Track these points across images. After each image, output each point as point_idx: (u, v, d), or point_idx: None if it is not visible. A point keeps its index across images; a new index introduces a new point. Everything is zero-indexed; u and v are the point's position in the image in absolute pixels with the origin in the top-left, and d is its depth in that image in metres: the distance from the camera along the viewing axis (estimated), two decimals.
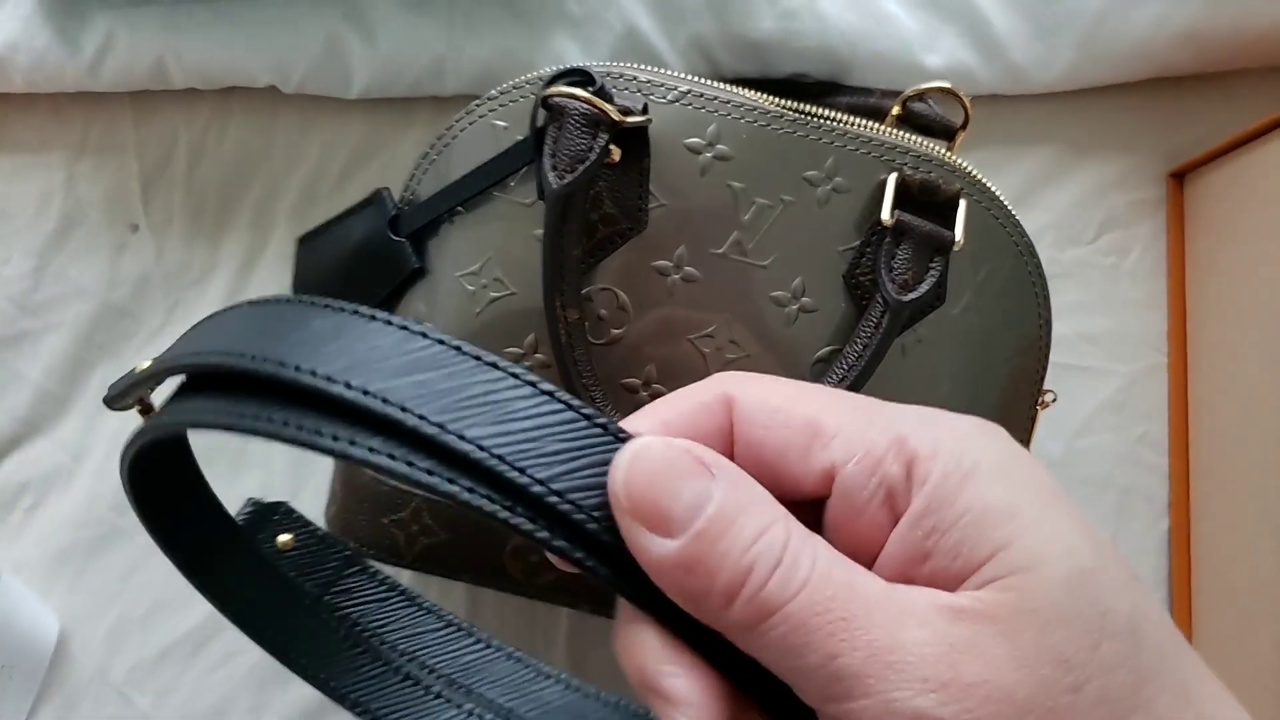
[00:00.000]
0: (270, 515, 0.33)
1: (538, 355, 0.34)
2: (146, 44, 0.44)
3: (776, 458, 0.18)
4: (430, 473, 0.17)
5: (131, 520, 0.46)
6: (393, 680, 0.29)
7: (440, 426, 0.17)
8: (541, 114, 0.32)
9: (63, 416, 0.46)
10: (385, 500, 0.35)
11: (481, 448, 0.16)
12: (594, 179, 0.32)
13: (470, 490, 0.17)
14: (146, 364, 0.22)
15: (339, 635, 0.29)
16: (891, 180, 0.33)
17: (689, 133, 0.34)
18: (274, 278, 0.47)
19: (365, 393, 0.17)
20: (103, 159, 0.47)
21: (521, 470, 0.17)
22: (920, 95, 0.37)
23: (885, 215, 0.33)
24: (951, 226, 0.33)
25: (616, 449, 0.17)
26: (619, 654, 0.18)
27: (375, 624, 0.31)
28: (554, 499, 0.17)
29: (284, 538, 0.33)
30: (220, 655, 0.45)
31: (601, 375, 0.34)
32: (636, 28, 0.44)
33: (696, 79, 0.34)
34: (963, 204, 0.33)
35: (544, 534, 0.17)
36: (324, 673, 0.29)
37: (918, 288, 0.32)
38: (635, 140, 0.33)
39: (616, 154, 0.33)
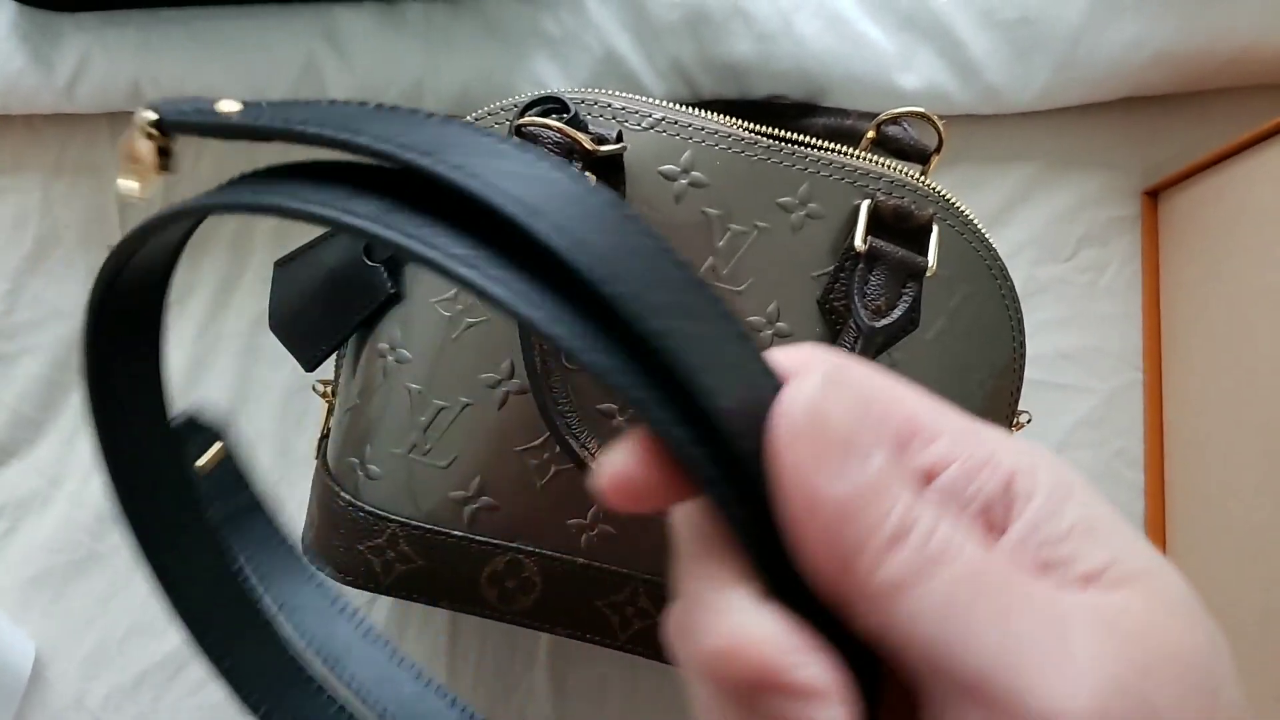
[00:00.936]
0: (201, 431, 0.30)
1: (513, 380, 0.34)
2: (122, 66, 0.44)
3: None
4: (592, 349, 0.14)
5: (108, 545, 0.46)
6: (261, 637, 0.28)
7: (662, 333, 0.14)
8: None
9: (38, 440, 0.46)
10: (361, 527, 0.35)
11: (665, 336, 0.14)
12: None
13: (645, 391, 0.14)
14: (234, 105, 0.18)
15: (226, 577, 0.27)
16: (864, 206, 0.33)
17: (663, 160, 0.34)
18: (253, 300, 0.47)
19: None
20: (79, 179, 0.47)
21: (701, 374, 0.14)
22: (895, 119, 0.37)
23: (858, 241, 0.33)
24: (924, 252, 0.33)
25: (772, 378, 0.15)
26: (698, 639, 0.15)
27: (262, 574, 0.29)
28: (729, 413, 0.14)
29: (204, 460, 0.30)
30: (197, 680, 0.45)
31: (577, 401, 0.34)
32: (615, 49, 0.44)
33: (671, 105, 0.34)
34: (935, 230, 0.33)
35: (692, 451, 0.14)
36: (197, 613, 0.26)
37: (890, 313, 0.33)
38: (610, 168, 0.33)
39: (592, 181, 0.32)
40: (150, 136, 0.19)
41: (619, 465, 0.16)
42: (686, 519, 0.16)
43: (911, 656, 0.14)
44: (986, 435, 0.17)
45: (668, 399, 0.15)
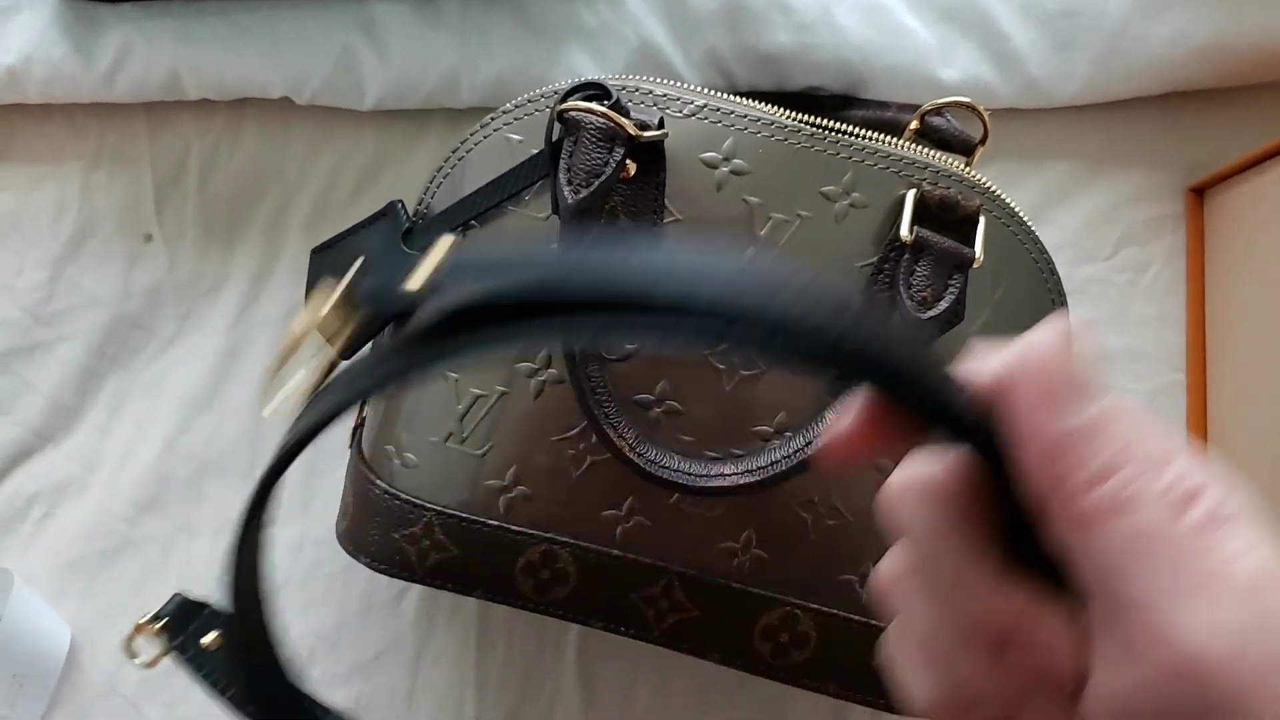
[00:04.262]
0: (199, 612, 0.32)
1: (551, 370, 0.34)
2: (161, 56, 0.44)
3: None
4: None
5: (142, 532, 0.46)
6: None
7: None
8: (557, 128, 0.32)
9: (75, 427, 0.46)
10: (397, 515, 0.35)
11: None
12: (609, 193, 0.32)
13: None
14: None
15: None
16: (910, 196, 0.33)
17: (705, 147, 0.33)
18: (287, 289, 0.47)
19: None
20: (117, 170, 0.47)
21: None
22: (938, 110, 0.36)
23: (904, 231, 0.32)
24: (971, 243, 0.33)
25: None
26: (957, 605, 0.19)
27: None
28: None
29: (208, 638, 0.31)
30: None
31: (614, 391, 0.34)
32: (651, 40, 0.44)
33: (713, 93, 0.34)
34: (982, 220, 0.33)
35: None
36: None
37: (936, 305, 0.32)
38: (651, 155, 0.33)
39: (632, 168, 0.32)
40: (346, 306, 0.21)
41: (847, 424, 0.20)
42: (918, 491, 0.19)
43: (1089, 572, 0.18)
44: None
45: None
